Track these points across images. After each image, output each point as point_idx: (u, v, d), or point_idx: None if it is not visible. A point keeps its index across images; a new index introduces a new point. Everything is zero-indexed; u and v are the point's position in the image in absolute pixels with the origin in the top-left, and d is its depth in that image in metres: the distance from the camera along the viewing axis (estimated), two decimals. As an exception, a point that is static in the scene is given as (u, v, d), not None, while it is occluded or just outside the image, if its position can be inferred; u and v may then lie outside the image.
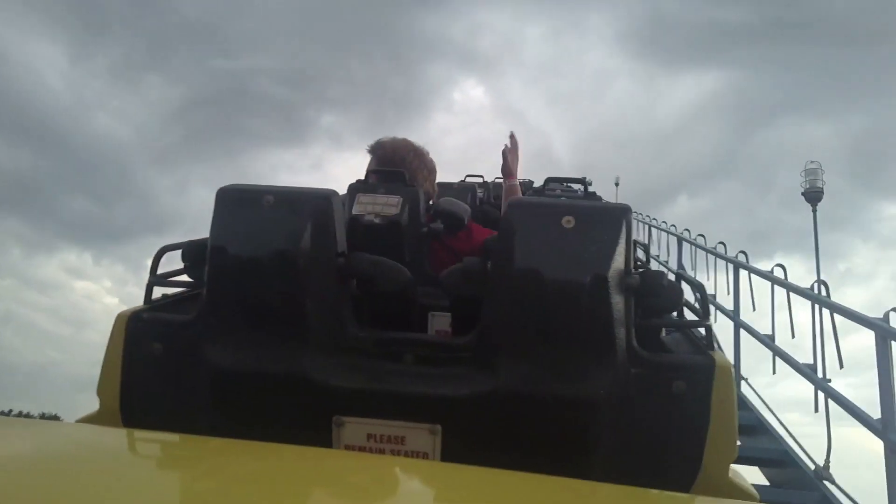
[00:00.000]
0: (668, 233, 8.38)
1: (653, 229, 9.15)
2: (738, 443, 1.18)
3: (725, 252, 6.07)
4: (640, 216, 10.15)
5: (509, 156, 2.45)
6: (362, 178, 1.99)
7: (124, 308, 1.31)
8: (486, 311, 1.15)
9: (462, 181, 4.71)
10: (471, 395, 1.10)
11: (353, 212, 1.71)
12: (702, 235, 7.06)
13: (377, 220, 1.69)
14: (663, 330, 1.37)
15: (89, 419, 1.27)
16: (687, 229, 7.72)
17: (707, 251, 6.65)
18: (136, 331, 1.26)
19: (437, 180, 2.26)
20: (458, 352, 1.18)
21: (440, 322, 1.50)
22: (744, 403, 4.87)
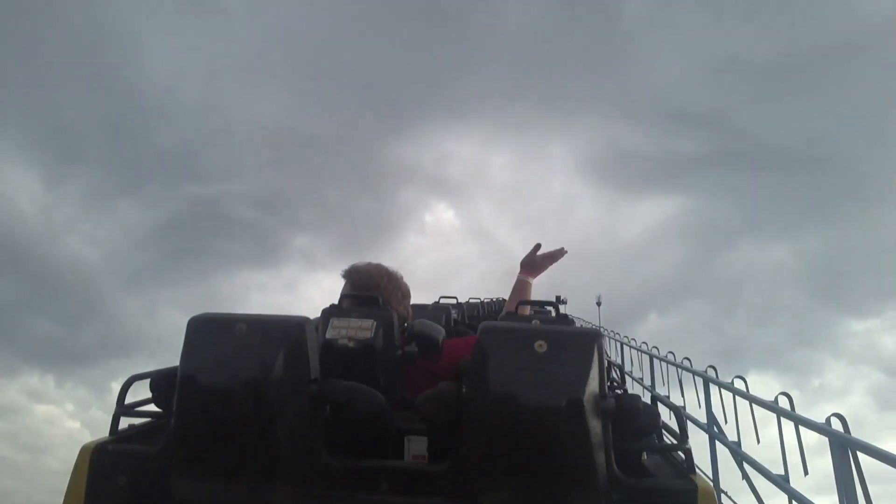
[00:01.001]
0: (640, 351, 8.48)
1: (626, 347, 9.25)
2: None
3: (692, 366, 6.20)
4: (611, 333, 10.24)
5: (537, 253, 2.63)
6: (335, 300, 2.01)
7: (87, 433, 1.27)
8: (461, 438, 1.13)
9: (436, 302, 4.74)
10: None
11: (327, 336, 1.71)
12: (671, 353, 7.15)
13: (351, 344, 1.68)
14: (643, 454, 1.36)
15: None
16: (655, 347, 7.83)
17: (678, 367, 6.72)
18: (101, 464, 1.21)
19: (412, 302, 2.29)
20: (434, 480, 1.14)
21: (416, 447, 1.47)
22: None
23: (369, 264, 2.15)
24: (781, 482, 4.32)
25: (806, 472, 4.17)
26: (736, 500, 5.06)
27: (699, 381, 5.96)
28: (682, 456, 1.24)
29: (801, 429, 4.12)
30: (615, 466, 1.10)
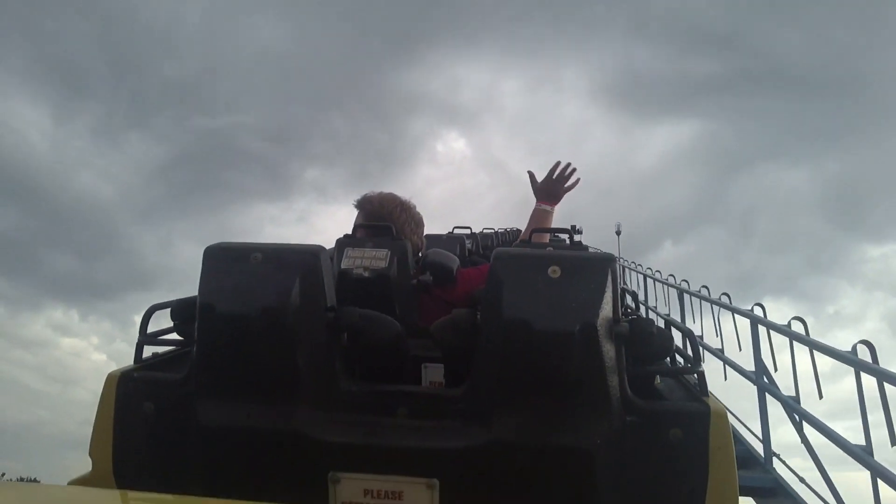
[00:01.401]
0: (655, 279, 8.49)
1: (641, 275, 9.26)
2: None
3: (709, 295, 6.19)
4: (626, 262, 10.23)
5: (540, 179, 2.54)
6: (349, 232, 2.01)
7: (113, 365, 1.31)
8: (476, 363, 1.15)
9: (450, 233, 4.75)
10: (466, 448, 1.10)
11: (342, 266, 1.72)
12: (685, 281, 7.15)
13: (366, 274, 1.70)
14: (657, 377, 1.37)
15: (82, 481, 1.25)
16: (671, 275, 7.83)
17: (693, 294, 6.74)
18: (126, 391, 1.25)
19: (425, 232, 2.28)
20: (450, 404, 1.17)
21: (433, 374, 1.50)
22: (736, 438, 4.91)
23: (381, 194, 2.14)
24: (792, 403, 4.38)
25: (821, 396, 4.19)
26: (750, 427, 5.15)
27: (716, 310, 5.97)
28: (696, 378, 1.25)
29: (817, 354, 4.15)
30: (628, 389, 1.11)
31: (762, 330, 4.88)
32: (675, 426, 1.12)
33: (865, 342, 3.47)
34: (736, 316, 5.47)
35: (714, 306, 6.10)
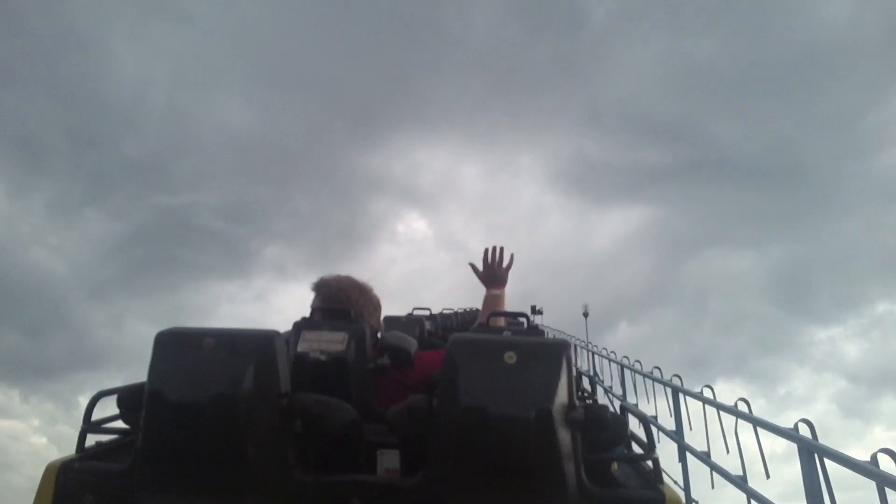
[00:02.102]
0: (610, 360, 8.58)
1: (597, 356, 9.35)
2: None
3: (661, 376, 6.28)
4: (583, 344, 10.32)
5: (486, 267, 2.61)
6: (307, 312, 2.00)
7: (53, 449, 1.25)
8: (432, 450, 1.14)
9: (409, 314, 4.74)
10: None
11: (299, 349, 1.70)
12: (638, 361, 7.26)
13: (323, 357, 1.67)
14: (613, 464, 1.37)
15: None
16: (626, 356, 7.93)
17: (646, 377, 6.82)
18: (66, 482, 1.19)
19: (385, 313, 2.28)
20: (406, 493, 1.15)
21: (389, 460, 1.47)
22: None
23: (339, 277, 2.14)
24: (740, 482, 4.41)
25: (768, 476, 4.28)
26: None
27: (669, 390, 6.05)
28: (651, 465, 1.26)
29: (769, 436, 4.22)
30: (585, 477, 1.11)
31: (711, 412, 5.01)
32: None
33: (805, 420, 3.60)
34: (687, 397, 5.57)
35: (668, 387, 6.18)
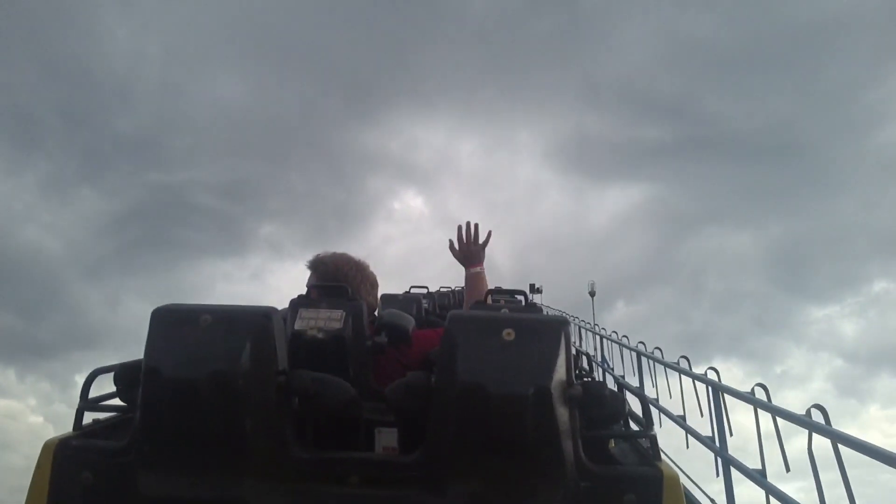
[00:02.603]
0: (610, 340, 8.57)
1: (599, 337, 9.33)
2: None
3: (662, 357, 6.24)
4: (581, 322, 10.34)
5: (461, 245, 2.54)
6: (303, 290, 1.99)
7: (50, 428, 1.25)
8: (431, 427, 1.13)
9: (406, 292, 4.74)
10: None
11: (296, 327, 1.69)
12: (642, 343, 7.23)
13: (320, 335, 1.67)
14: (611, 441, 1.37)
15: None
16: (626, 335, 7.92)
17: (650, 358, 6.78)
18: (64, 459, 1.19)
19: (382, 291, 2.27)
20: (404, 471, 1.14)
21: (387, 438, 1.47)
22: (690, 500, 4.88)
23: (335, 254, 2.13)
24: (760, 479, 4.28)
25: (787, 469, 4.12)
26: (706, 490, 5.13)
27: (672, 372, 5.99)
28: (649, 443, 1.26)
29: (765, 416, 4.17)
30: (582, 454, 1.11)
31: (713, 390, 4.92)
32: (629, 491, 1.12)
33: (818, 406, 3.51)
34: (696, 381, 5.46)
35: (669, 367, 6.14)
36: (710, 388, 4.95)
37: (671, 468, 1.18)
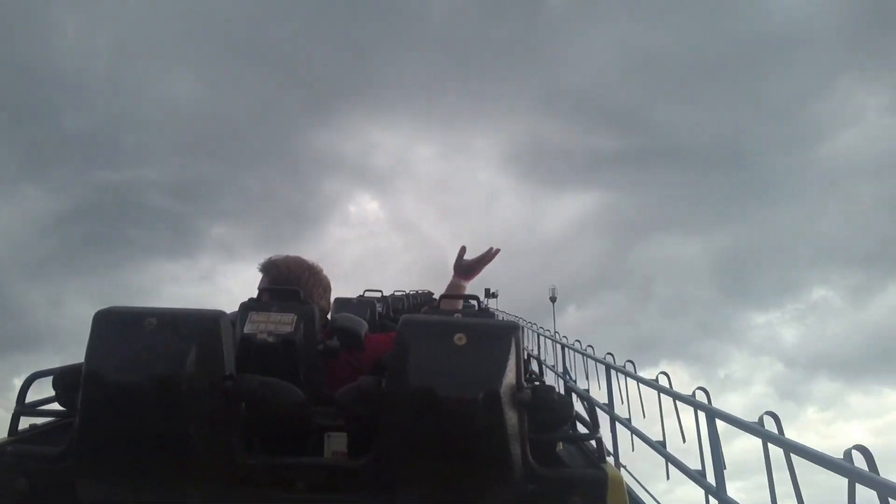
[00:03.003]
0: (561, 344, 8.70)
1: (547, 340, 9.47)
2: None
3: (614, 361, 6.40)
4: (533, 326, 10.46)
5: (466, 256, 2.65)
6: (255, 293, 1.96)
7: None
8: (381, 432, 1.13)
9: (360, 296, 4.71)
10: None
11: (245, 331, 1.67)
12: (591, 346, 7.38)
13: (270, 339, 1.64)
14: (559, 444, 1.40)
15: None
16: (578, 340, 8.06)
17: (598, 361, 6.93)
18: None
19: (336, 295, 2.26)
20: (352, 476, 1.14)
21: (337, 443, 1.46)
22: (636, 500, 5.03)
23: (288, 257, 2.11)
24: (698, 477, 4.45)
25: (724, 467, 4.29)
26: (650, 490, 5.28)
27: (621, 376, 6.15)
28: (595, 445, 1.29)
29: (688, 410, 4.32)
30: (530, 457, 1.13)
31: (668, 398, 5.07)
32: (575, 493, 1.14)
33: (771, 413, 3.62)
34: (641, 385, 5.63)
35: (619, 372, 6.28)
36: (660, 394, 5.09)
37: (615, 470, 1.22)
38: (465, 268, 2.75)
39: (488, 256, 2.75)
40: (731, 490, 4.03)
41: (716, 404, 4.30)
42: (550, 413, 1.22)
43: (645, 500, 5.19)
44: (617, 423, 5.84)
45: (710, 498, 4.00)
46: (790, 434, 3.42)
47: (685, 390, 4.72)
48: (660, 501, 4.99)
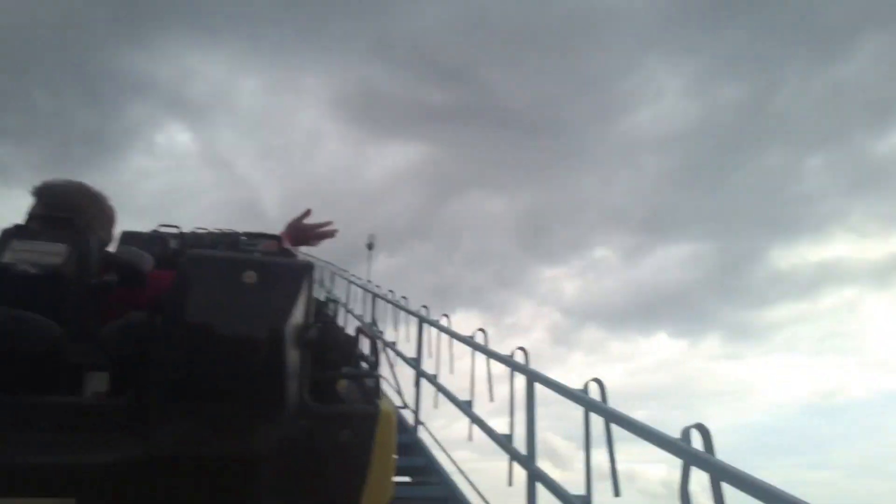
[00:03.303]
0: (363, 288, 8.84)
1: (352, 285, 9.55)
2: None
3: (408, 305, 6.73)
4: (339, 270, 10.47)
5: (296, 223, 2.44)
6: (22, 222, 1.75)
7: None
8: (149, 371, 1.10)
9: (154, 231, 4.36)
10: (112, 462, 1.03)
11: (4, 259, 1.50)
12: (391, 291, 7.60)
13: (33, 270, 1.49)
14: (341, 381, 1.46)
15: None
16: (378, 285, 8.27)
17: (393, 304, 7.19)
18: None
19: (126, 229, 2.10)
20: (104, 415, 1.10)
21: (97, 383, 1.38)
22: (420, 448, 5.45)
23: (68, 182, 1.90)
24: (466, 408, 5.00)
25: (492, 399, 4.87)
26: (427, 425, 5.70)
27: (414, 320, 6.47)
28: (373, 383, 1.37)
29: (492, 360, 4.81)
30: (306, 394, 1.17)
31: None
32: (346, 427, 1.19)
33: (521, 348, 4.24)
34: (432, 328, 5.99)
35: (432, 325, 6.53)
36: (474, 352, 5.33)
37: (389, 405, 1.30)
38: (297, 232, 2.57)
39: (327, 234, 2.59)
40: (498, 424, 4.54)
41: (496, 347, 4.81)
42: (335, 352, 1.27)
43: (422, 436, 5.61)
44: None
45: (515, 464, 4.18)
46: (554, 373, 3.97)
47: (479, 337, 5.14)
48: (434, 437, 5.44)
